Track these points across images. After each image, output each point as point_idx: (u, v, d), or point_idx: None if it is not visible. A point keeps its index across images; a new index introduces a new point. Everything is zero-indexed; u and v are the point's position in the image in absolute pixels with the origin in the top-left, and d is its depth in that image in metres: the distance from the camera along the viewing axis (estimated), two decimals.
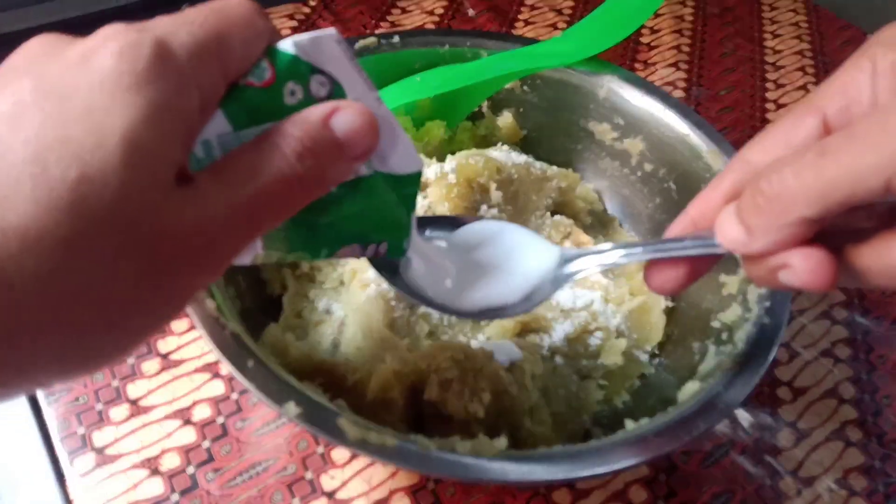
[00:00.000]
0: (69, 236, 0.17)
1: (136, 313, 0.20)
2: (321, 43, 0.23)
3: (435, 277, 0.32)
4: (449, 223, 0.34)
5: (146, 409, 0.42)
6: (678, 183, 0.48)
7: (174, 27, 0.20)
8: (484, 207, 0.45)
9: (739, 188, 0.25)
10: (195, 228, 0.20)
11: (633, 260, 0.29)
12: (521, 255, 0.32)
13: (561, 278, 0.31)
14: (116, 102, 0.18)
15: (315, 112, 0.22)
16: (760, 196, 0.22)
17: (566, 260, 0.31)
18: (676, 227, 0.28)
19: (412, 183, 0.28)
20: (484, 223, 0.34)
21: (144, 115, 0.18)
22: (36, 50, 0.20)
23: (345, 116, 0.22)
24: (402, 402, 0.37)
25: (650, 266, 0.29)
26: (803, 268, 0.23)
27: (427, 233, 0.33)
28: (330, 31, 0.23)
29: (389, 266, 0.31)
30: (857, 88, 0.23)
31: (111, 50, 0.18)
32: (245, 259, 0.25)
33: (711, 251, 0.26)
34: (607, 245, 0.31)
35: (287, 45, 0.22)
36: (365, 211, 0.27)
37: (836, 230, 0.23)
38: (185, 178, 0.20)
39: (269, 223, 0.22)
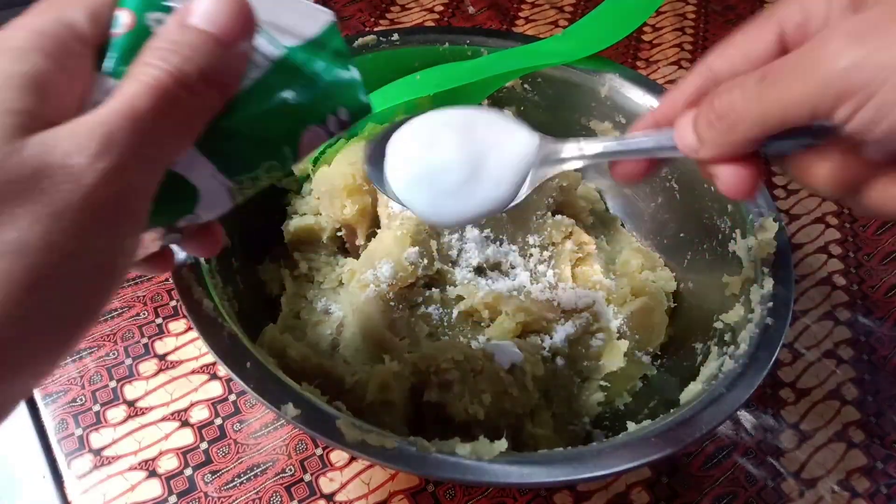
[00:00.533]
0: None
1: (69, 272, 0.19)
2: None
3: (430, 167, 0.31)
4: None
5: (143, 411, 0.42)
6: (680, 182, 0.47)
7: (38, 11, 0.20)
8: None
9: (701, 94, 0.27)
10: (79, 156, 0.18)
11: (608, 152, 0.30)
12: (501, 146, 0.32)
13: (540, 173, 0.31)
14: None
15: (172, 19, 0.22)
16: (712, 112, 0.25)
17: (546, 150, 0.31)
18: (640, 125, 0.31)
19: (330, 37, 0.26)
20: (457, 109, 0.34)
21: None
22: None
23: (201, 5, 0.21)
24: (402, 404, 0.37)
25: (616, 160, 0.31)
26: (726, 177, 0.26)
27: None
28: None
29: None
30: (814, 4, 0.25)
31: None
32: (224, 202, 0.24)
33: (671, 153, 0.29)
34: (584, 138, 0.31)
35: None
36: (300, 89, 0.25)
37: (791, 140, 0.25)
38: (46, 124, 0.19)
39: (174, 141, 0.21)
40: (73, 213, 0.18)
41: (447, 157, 0.31)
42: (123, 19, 0.22)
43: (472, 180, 0.31)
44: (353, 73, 0.27)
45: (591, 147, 0.31)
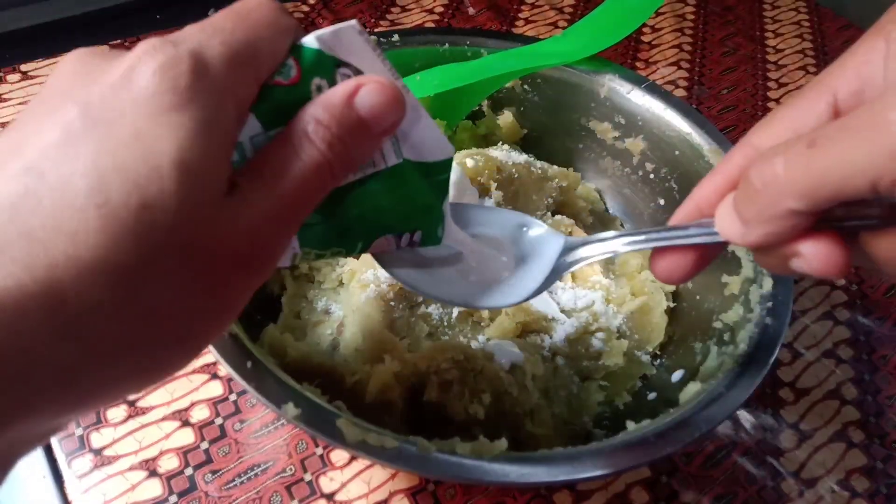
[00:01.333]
0: (137, 264, 0.18)
1: (200, 323, 0.20)
2: (343, 35, 0.23)
3: (453, 270, 0.31)
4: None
5: (144, 411, 0.42)
6: (680, 182, 0.48)
7: (206, 38, 0.20)
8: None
9: (742, 173, 0.24)
10: (247, 233, 0.20)
11: (637, 248, 0.28)
12: (527, 244, 0.32)
13: (563, 267, 0.31)
14: (162, 125, 0.18)
15: (338, 92, 0.22)
16: (750, 186, 0.22)
17: (569, 248, 0.31)
18: (681, 214, 0.28)
19: (443, 170, 0.27)
20: (484, 209, 0.34)
21: (190, 135, 0.19)
22: (74, 70, 0.20)
23: (368, 91, 0.22)
24: (402, 404, 0.37)
25: (656, 255, 0.29)
26: (813, 255, 0.22)
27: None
28: (351, 22, 0.23)
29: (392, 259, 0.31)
30: (871, 69, 0.22)
31: (150, 69, 0.19)
32: (285, 261, 0.25)
33: (714, 240, 0.25)
34: (611, 233, 0.30)
35: (310, 41, 0.22)
36: (396, 200, 0.26)
37: (851, 215, 0.22)
38: (230, 185, 0.20)
39: (307, 212, 0.22)
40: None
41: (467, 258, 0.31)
42: (291, 72, 0.22)
43: (490, 280, 0.31)
44: (444, 209, 0.29)
45: (614, 245, 0.29)
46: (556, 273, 0.31)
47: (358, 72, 0.23)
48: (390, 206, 0.26)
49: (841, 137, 0.19)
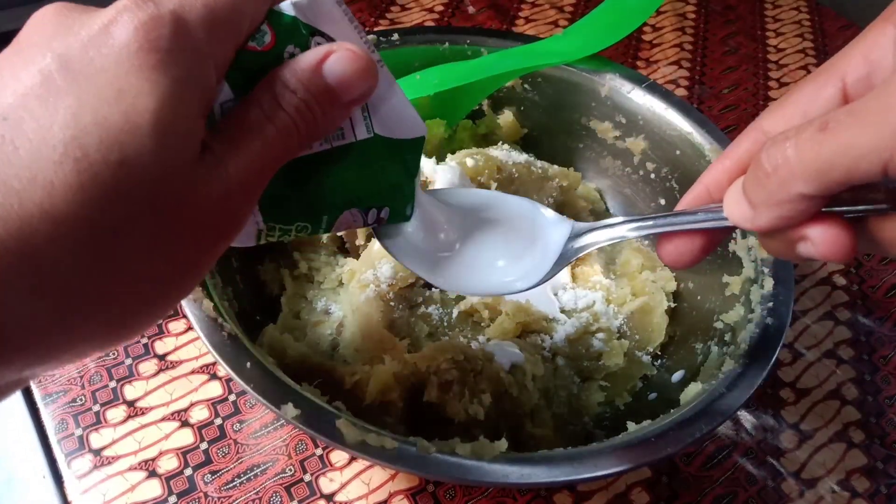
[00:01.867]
0: (113, 222, 0.18)
1: (169, 285, 0.21)
2: (320, 3, 0.22)
3: (439, 245, 0.30)
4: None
5: (143, 411, 0.42)
6: (680, 182, 0.47)
7: None
8: None
9: (752, 157, 0.24)
10: (219, 195, 0.20)
11: (644, 234, 0.28)
12: (531, 228, 0.31)
13: (571, 253, 0.30)
14: (143, 83, 0.18)
15: (308, 57, 0.22)
16: (760, 170, 0.22)
17: (577, 234, 0.30)
18: (689, 198, 0.28)
19: (415, 148, 0.27)
20: (489, 193, 0.33)
21: (170, 93, 0.19)
22: (51, 21, 0.20)
23: (338, 58, 0.22)
24: (402, 404, 0.37)
25: (663, 239, 0.28)
26: (821, 239, 0.22)
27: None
28: None
29: (395, 238, 0.30)
30: (879, 54, 0.22)
31: (132, 25, 0.19)
32: (249, 238, 0.24)
33: (721, 224, 0.25)
34: (618, 218, 0.30)
35: (287, 7, 0.22)
36: (365, 175, 0.26)
37: (859, 200, 0.22)
38: (203, 148, 0.20)
39: (271, 175, 0.22)
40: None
41: (470, 243, 0.30)
42: (266, 38, 0.22)
43: (493, 265, 0.31)
44: (414, 188, 0.28)
45: (621, 230, 0.29)
46: (564, 259, 0.30)
47: (332, 41, 0.23)
48: (358, 180, 0.26)
49: (851, 121, 0.19)
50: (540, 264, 0.31)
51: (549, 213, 0.32)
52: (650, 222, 0.28)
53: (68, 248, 0.17)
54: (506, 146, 0.50)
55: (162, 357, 0.44)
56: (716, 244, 0.28)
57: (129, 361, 0.44)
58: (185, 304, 0.33)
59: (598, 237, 0.30)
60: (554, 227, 0.31)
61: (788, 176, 0.21)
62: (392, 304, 0.41)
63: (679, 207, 0.28)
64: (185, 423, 0.41)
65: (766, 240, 0.24)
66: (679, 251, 0.28)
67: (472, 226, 0.31)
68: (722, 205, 0.25)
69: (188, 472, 0.39)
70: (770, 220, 0.22)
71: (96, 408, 0.42)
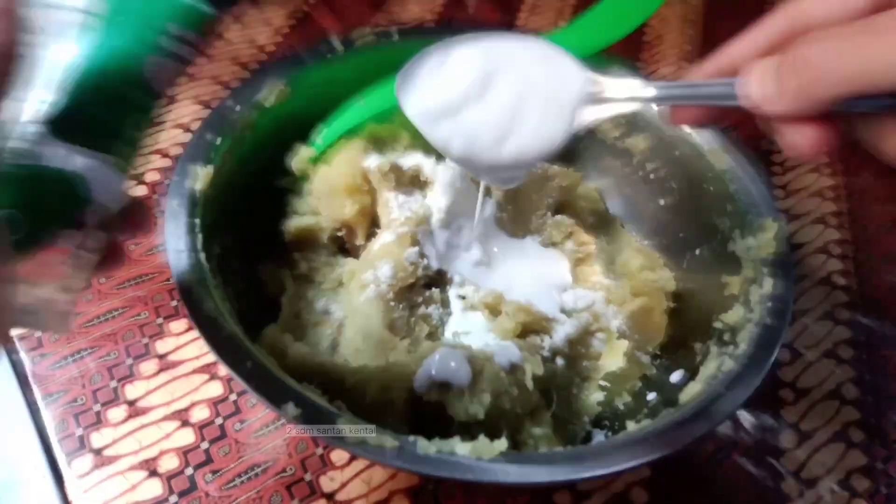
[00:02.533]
0: None
1: None
2: None
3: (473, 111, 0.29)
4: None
5: (144, 411, 0.42)
6: (681, 182, 0.47)
7: None
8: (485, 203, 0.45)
9: (785, 40, 0.24)
10: None
11: (662, 99, 0.27)
12: (542, 83, 0.29)
13: (586, 115, 0.29)
14: None
15: None
16: (799, 60, 0.22)
17: (594, 88, 0.29)
18: (713, 66, 0.27)
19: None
20: (495, 37, 0.31)
21: None
22: None
23: None
24: (402, 404, 0.37)
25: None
26: (795, 143, 0.23)
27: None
28: None
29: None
30: None
31: None
32: (116, 179, 0.23)
33: (733, 104, 0.25)
34: (637, 80, 0.29)
35: None
36: (116, 28, 0.24)
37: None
38: None
39: None
40: None
41: (480, 96, 0.28)
42: None
43: (508, 121, 0.28)
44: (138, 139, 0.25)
45: (642, 90, 0.28)
46: (581, 110, 0.29)
47: None
48: (117, 37, 0.24)
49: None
50: (557, 123, 0.29)
51: (564, 59, 0.30)
52: (669, 88, 0.28)
53: None
54: None
55: (163, 357, 0.44)
56: (718, 118, 0.29)
57: (129, 361, 0.44)
58: (186, 304, 0.33)
59: (617, 92, 0.29)
60: (569, 76, 0.29)
61: (826, 73, 0.21)
62: (392, 304, 0.41)
63: (701, 72, 0.28)
64: (185, 423, 0.41)
65: (760, 119, 0.24)
66: (686, 114, 0.29)
67: (481, 81, 0.29)
68: (731, 80, 0.25)
69: (189, 471, 0.39)
70: (788, 109, 0.22)
71: (97, 407, 0.42)
